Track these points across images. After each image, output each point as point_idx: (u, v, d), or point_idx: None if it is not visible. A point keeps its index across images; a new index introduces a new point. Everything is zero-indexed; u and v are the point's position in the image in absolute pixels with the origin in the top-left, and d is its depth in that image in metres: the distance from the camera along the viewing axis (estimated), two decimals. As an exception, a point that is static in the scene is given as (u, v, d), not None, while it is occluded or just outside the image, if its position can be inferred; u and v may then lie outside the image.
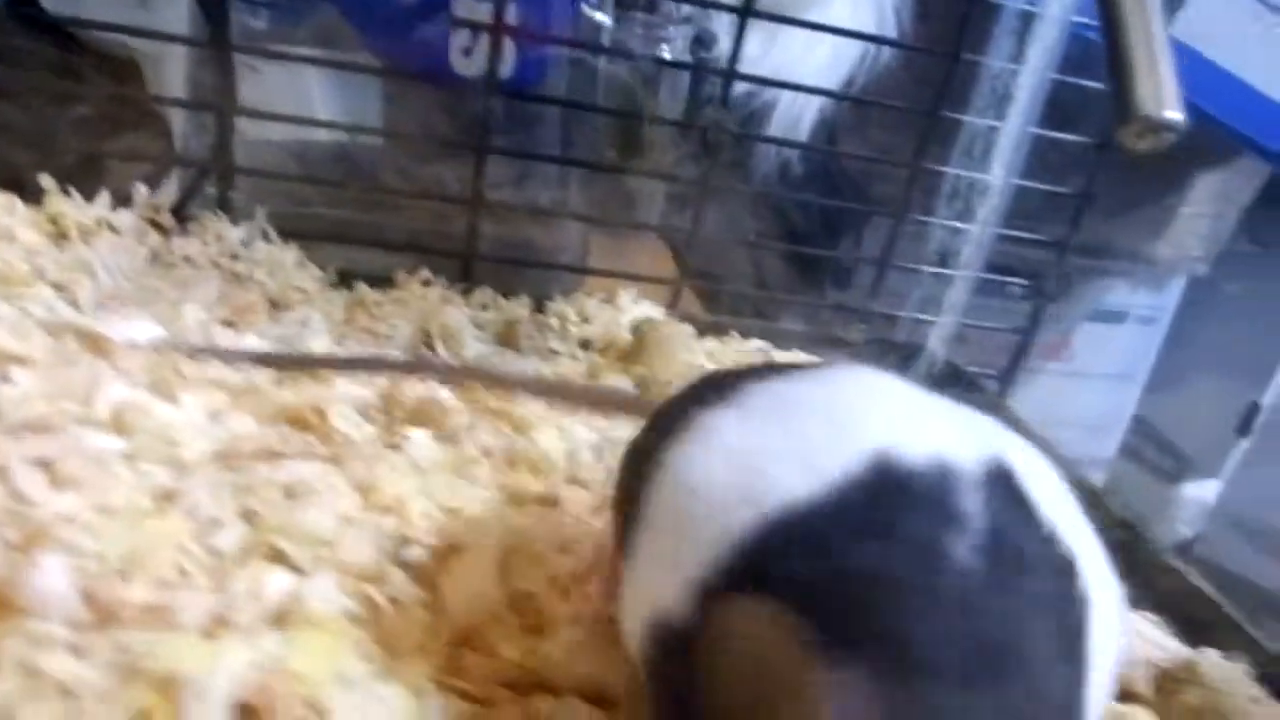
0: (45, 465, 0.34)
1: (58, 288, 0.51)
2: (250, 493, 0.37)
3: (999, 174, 0.63)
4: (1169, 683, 0.40)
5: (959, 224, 0.68)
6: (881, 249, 0.72)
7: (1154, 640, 0.43)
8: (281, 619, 0.32)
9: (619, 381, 0.58)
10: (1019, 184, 0.64)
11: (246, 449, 0.40)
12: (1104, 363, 1.27)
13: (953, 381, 0.70)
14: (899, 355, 0.71)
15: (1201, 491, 1.24)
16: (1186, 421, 1.39)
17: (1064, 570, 0.22)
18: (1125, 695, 0.40)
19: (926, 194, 0.70)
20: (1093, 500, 0.55)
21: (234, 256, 0.61)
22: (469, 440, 0.47)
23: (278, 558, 0.34)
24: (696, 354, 0.64)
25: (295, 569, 0.34)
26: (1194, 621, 0.47)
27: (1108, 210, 1.10)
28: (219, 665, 0.29)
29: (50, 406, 0.38)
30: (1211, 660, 0.41)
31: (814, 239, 1.00)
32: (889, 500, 0.21)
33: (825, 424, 0.24)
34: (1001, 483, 0.22)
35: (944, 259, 0.69)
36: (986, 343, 0.85)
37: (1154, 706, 0.40)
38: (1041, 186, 0.68)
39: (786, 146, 0.73)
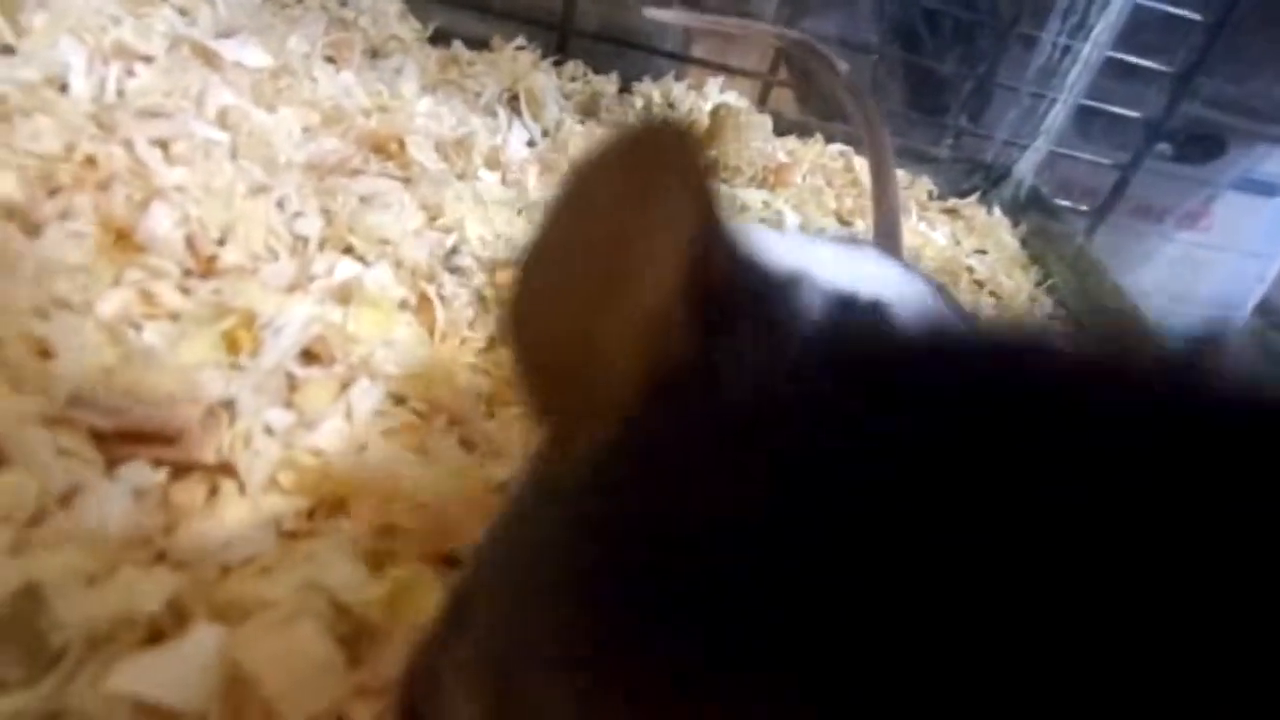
0: (161, 144, 0.41)
1: (181, 12, 0.57)
2: (330, 196, 0.43)
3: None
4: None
5: (1075, 43, 0.66)
6: (984, 67, 0.71)
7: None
8: (345, 296, 0.39)
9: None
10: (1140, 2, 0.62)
11: (331, 161, 0.46)
12: (1242, 238, 1.21)
13: (1037, 210, 0.71)
14: (984, 176, 0.72)
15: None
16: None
17: None
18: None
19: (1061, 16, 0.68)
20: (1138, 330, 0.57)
21: (341, 3, 0.66)
22: (536, 188, 0.52)
23: (348, 249, 0.41)
24: (774, 148, 0.66)
25: (361, 259, 0.41)
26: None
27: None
28: (293, 314, 0.36)
29: (167, 99, 0.44)
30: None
31: (941, 57, 0.98)
32: None
33: None
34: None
35: (1053, 83, 0.69)
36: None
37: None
38: (1164, 6, 0.65)
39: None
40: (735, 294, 0.14)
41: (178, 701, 0.23)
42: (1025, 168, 0.70)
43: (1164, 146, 0.97)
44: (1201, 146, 1.11)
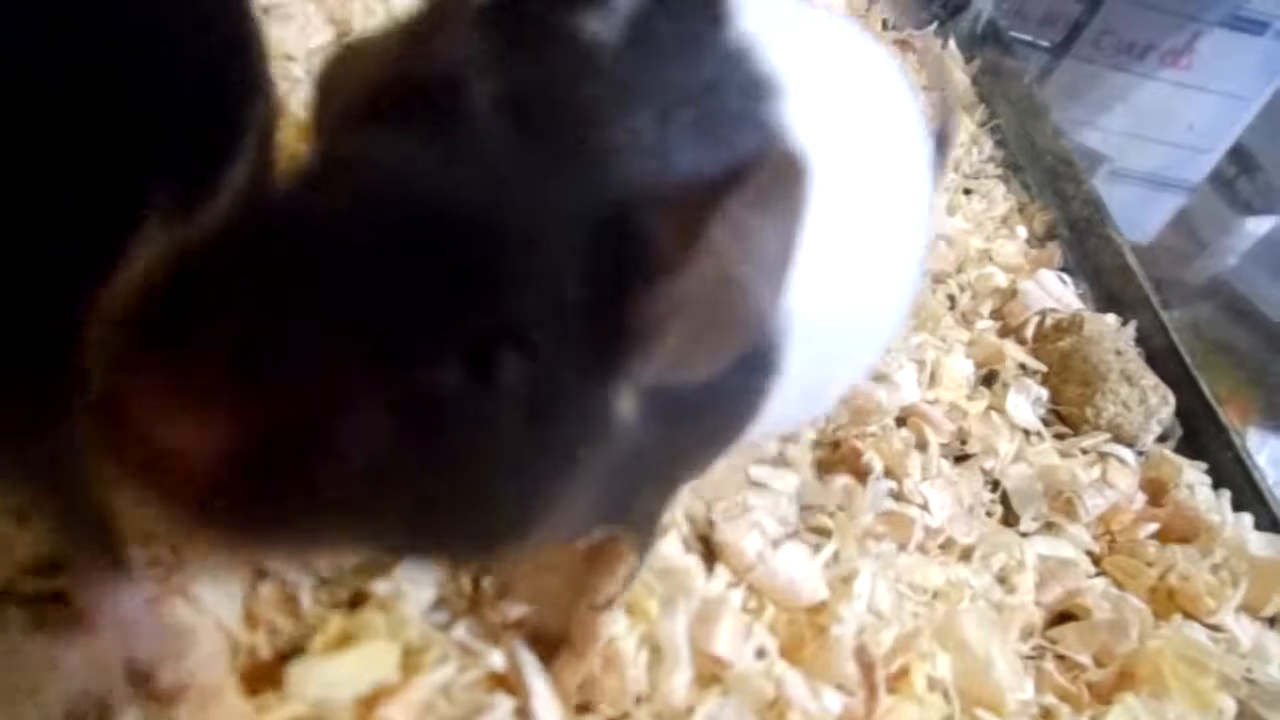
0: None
1: None
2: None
3: None
4: (1053, 330, 0.47)
5: None
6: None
7: (1054, 294, 0.49)
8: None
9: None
10: None
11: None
12: (1225, 78, 1.20)
13: (994, 45, 0.70)
14: (943, 5, 0.70)
15: (1262, 227, 1.23)
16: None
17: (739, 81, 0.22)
18: (1007, 331, 0.47)
19: None
20: (1069, 174, 0.58)
21: None
22: None
23: (248, 66, 0.41)
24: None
25: (262, 77, 0.40)
26: (1116, 295, 0.52)
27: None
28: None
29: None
30: (1097, 317, 0.47)
31: None
32: None
33: None
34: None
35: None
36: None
37: (1028, 345, 0.47)
38: None
39: None
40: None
41: None
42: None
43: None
44: (1191, -24, 1.08)
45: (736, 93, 0.22)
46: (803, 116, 0.22)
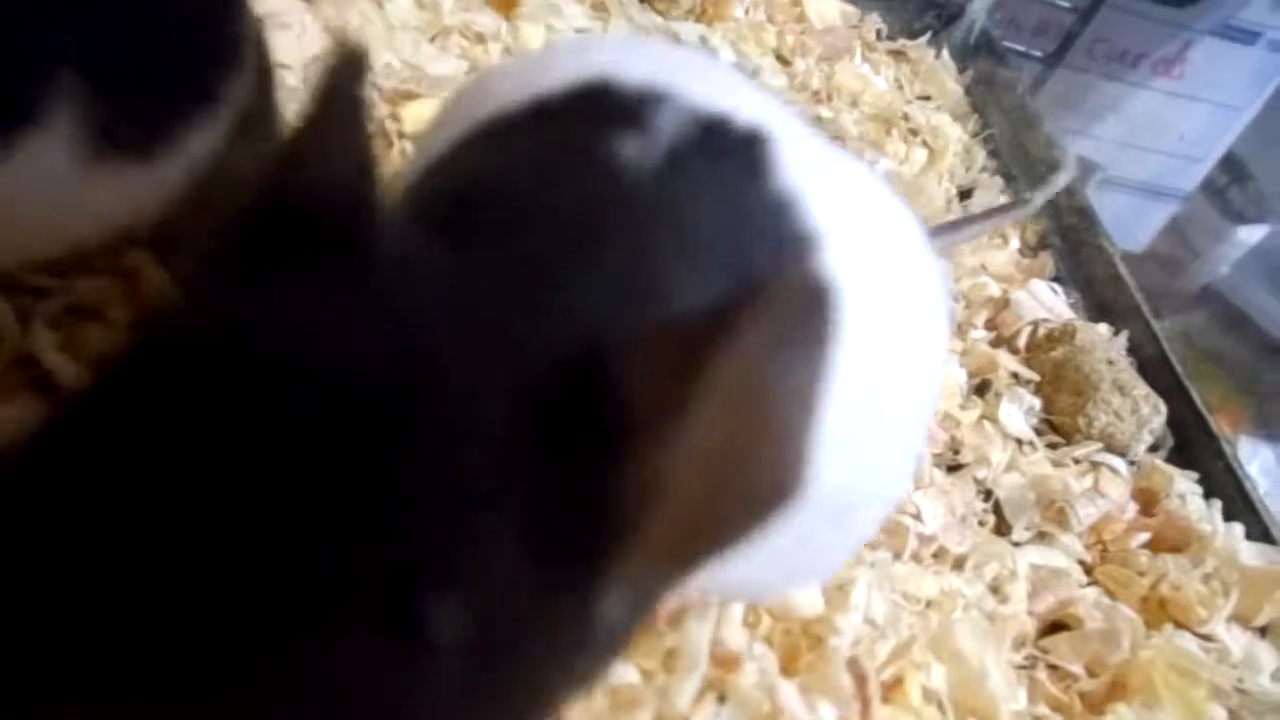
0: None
1: None
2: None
3: None
4: (1045, 340, 0.47)
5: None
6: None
7: (1046, 304, 0.49)
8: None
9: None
10: None
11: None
12: (1217, 88, 1.21)
13: (987, 55, 0.70)
14: (937, 15, 0.70)
15: (1254, 235, 1.24)
16: (1281, 167, 1.34)
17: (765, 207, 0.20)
18: (999, 341, 0.47)
19: None
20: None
21: None
22: (451, 14, 0.51)
23: (244, 74, 0.41)
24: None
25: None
26: (1108, 304, 0.52)
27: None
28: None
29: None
30: (1089, 327, 0.47)
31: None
32: (574, 106, 0.21)
33: (578, 60, 0.23)
34: (732, 135, 0.21)
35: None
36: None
37: (1021, 355, 0.47)
38: None
39: None
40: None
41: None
42: (979, 7, 0.69)
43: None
44: (1180, -15, 1.08)
45: (765, 246, 0.19)
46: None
